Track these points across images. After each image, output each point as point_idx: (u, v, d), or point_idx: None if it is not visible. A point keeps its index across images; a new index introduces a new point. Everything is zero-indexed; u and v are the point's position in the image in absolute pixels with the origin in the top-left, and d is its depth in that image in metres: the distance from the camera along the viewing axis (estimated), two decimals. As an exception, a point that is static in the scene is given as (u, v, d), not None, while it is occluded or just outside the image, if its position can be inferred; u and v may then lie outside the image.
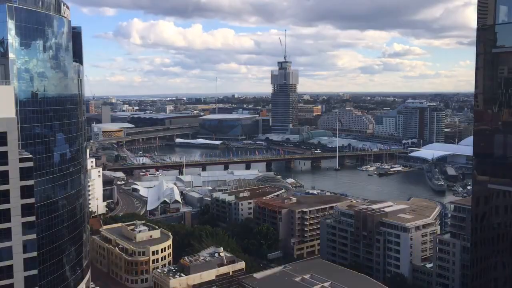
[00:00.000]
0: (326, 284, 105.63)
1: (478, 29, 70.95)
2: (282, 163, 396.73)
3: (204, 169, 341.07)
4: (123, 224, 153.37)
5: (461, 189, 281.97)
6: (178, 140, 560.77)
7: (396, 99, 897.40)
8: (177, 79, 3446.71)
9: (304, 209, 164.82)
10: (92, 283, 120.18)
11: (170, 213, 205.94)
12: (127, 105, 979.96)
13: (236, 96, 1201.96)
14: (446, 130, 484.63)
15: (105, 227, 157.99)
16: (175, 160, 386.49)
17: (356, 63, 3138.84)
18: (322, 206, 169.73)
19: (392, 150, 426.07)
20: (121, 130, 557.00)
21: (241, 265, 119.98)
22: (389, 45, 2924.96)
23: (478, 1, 70.11)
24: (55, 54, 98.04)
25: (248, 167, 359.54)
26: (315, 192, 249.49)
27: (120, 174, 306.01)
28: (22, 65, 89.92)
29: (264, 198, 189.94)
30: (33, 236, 73.72)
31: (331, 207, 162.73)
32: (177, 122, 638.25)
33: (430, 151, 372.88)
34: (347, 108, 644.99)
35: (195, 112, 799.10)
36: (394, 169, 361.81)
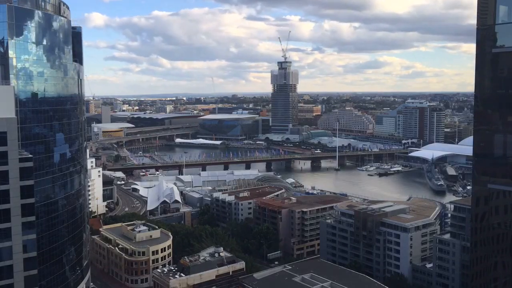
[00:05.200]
0: (326, 284, 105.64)
1: (477, 29, 70.86)
2: (282, 163, 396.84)
3: (204, 169, 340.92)
4: (123, 224, 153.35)
5: (461, 189, 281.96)
6: (178, 140, 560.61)
7: (396, 99, 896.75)
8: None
9: (304, 209, 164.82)
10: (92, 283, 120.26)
11: (170, 213, 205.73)
12: (127, 105, 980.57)
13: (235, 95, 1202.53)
14: (446, 130, 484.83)
15: (105, 227, 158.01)
16: (175, 160, 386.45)
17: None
18: (322, 206, 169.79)
19: (392, 150, 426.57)
20: (121, 130, 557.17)
21: (241, 265, 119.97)
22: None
23: (478, 1, 70.01)
24: (55, 54, 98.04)
25: (248, 167, 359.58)
26: (315, 192, 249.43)
27: (120, 174, 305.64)
28: (22, 65, 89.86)
29: (264, 198, 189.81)
30: (33, 236, 73.74)
31: (331, 207, 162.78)
32: (177, 122, 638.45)
33: (430, 151, 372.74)
34: (347, 108, 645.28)
35: (195, 112, 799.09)
36: (394, 169, 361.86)
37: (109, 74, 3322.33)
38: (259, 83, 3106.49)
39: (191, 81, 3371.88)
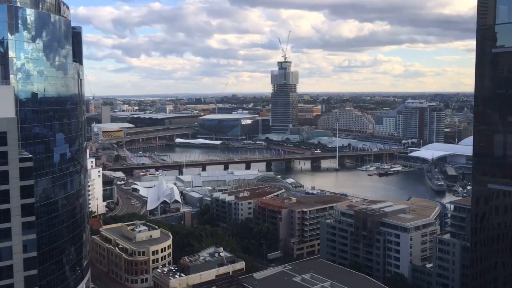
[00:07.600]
0: (326, 284, 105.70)
1: (478, 29, 70.95)
2: (282, 163, 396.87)
3: (204, 169, 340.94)
4: (123, 224, 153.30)
5: (461, 189, 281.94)
6: (178, 140, 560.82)
7: (396, 99, 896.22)
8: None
9: (304, 209, 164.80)
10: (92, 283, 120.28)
11: (170, 213, 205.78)
12: (127, 105, 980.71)
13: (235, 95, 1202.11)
14: (446, 130, 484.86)
15: (105, 227, 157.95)
16: (175, 160, 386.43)
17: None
18: (322, 206, 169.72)
19: (392, 150, 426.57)
20: (121, 130, 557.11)
21: (241, 265, 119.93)
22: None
23: (478, 1, 70.11)
24: (55, 54, 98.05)
25: (248, 167, 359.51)
26: (315, 192, 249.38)
27: (120, 174, 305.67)
28: (22, 65, 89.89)
29: (264, 198, 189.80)
30: (33, 236, 73.75)
31: (331, 207, 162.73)
32: (177, 122, 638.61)
33: (430, 151, 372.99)
34: (347, 108, 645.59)
35: (195, 112, 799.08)
36: (394, 169, 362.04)
37: (89, 73, 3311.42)
38: (249, 82, 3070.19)
39: (178, 80, 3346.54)
